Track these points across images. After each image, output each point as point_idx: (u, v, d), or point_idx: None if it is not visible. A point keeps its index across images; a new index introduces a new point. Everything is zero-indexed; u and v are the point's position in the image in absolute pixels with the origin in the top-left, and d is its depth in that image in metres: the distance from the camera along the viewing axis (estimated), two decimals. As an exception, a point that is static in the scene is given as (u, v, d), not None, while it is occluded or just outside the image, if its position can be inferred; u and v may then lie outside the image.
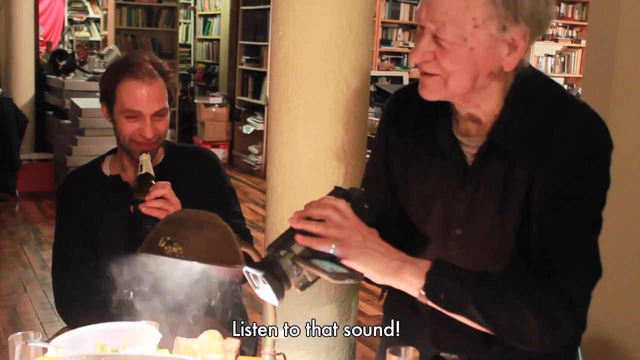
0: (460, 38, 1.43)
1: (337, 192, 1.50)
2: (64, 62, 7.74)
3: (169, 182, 2.09)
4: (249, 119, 9.18)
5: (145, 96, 2.19)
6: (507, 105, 1.55)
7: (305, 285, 1.43)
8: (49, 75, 8.13)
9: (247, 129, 9.15)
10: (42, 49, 9.12)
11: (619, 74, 3.25)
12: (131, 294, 2.01)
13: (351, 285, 2.31)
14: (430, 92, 1.53)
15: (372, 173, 1.84)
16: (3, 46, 7.79)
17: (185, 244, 1.36)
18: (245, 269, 1.41)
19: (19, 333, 1.64)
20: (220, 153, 9.53)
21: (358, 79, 2.19)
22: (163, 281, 1.99)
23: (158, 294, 2.01)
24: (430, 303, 1.45)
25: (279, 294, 1.39)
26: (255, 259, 1.46)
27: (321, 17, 2.13)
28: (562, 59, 11.46)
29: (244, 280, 2.09)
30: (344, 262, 1.41)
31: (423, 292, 1.44)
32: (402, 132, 1.72)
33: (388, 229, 1.61)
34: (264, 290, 1.41)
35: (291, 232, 1.42)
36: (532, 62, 10.98)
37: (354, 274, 1.40)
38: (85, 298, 2.13)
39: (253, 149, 9.20)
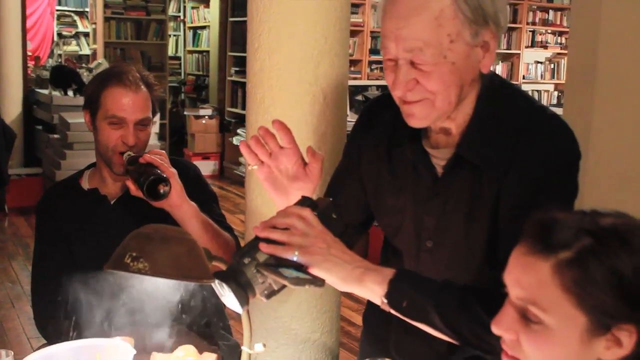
0: (440, 57, 1.42)
1: (304, 201, 1.49)
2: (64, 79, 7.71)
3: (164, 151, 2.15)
4: (239, 130, 9.18)
5: (130, 103, 2.19)
6: (474, 117, 1.55)
7: (270, 294, 1.42)
8: (37, 90, 8.12)
9: (237, 140, 9.14)
10: (31, 63, 9.11)
11: (601, 78, 3.26)
12: (110, 308, 2.00)
13: (333, 297, 2.30)
14: (420, 120, 1.52)
15: (340, 178, 1.84)
16: (-9, 61, 7.79)
17: (151, 260, 1.35)
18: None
19: (-7, 351, 1.63)
20: (211, 165, 9.53)
21: (334, 90, 2.19)
22: (141, 295, 1.98)
23: (135, 309, 2.01)
24: (392, 311, 1.45)
25: (243, 301, 1.39)
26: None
27: (296, 29, 2.13)
28: (552, 66, 11.52)
29: None
30: (309, 269, 1.40)
31: (385, 300, 1.43)
32: (374, 142, 1.72)
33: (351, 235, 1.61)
34: (228, 298, 1.41)
35: (256, 241, 1.41)
36: (522, 69, 11.03)
37: (315, 280, 1.39)
38: (62, 314, 2.12)
39: (243, 160, 9.18)
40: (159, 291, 1.97)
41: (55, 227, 2.30)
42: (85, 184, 2.36)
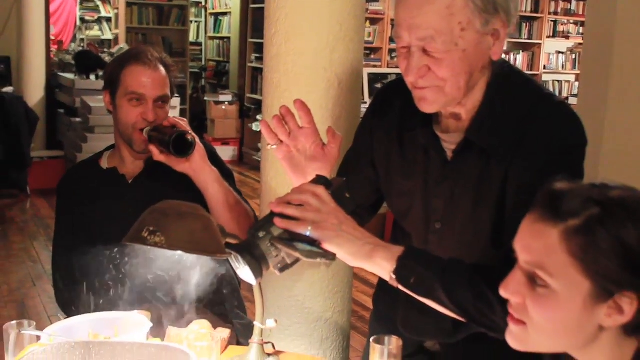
0: (451, 44, 1.47)
1: (319, 180, 1.55)
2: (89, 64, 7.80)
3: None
4: (258, 117, 9.22)
5: (149, 81, 2.26)
6: (484, 103, 1.59)
7: (284, 267, 1.48)
8: (60, 74, 8.22)
9: (256, 127, 9.19)
10: (54, 47, 9.20)
11: (616, 68, 3.28)
12: (127, 284, 2.07)
13: (345, 278, 2.36)
14: (431, 104, 1.56)
15: (352, 160, 1.89)
16: (15, 46, 7.86)
17: (167, 234, 1.41)
18: (227, 249, 1.46)
19: (14, 322, 1.70)
20: (230, 150, 9.58)
21: (349, 75, 2.24)
22: (157, 272, 2.04)
23: (152, 285, 2.07)
24: (400, 287, 1.49)
25: (257, 273, 1.45)
26: None
27: (312, 15, 2.17)
28: (573, 56, 11.44)
29: None
30: (321, 245, 1.46)
31: (394, 276, 1.48)
32: (386, 126, 1.76)
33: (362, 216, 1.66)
34: (243, 271, 1.46)
35: (271, 216, 1.47)
36: (543, 59, 10.98)
37: (327, 254, 1.45)
38: (81, 290, 2.18)
39: (262, 145, 9.22)
40: (175, 270, 2.05)
41: (75, 205, 2.37)
42: (105, 164, 2.42)
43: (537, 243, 1.19)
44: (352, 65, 2.24)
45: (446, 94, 1.53)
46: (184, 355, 1.42)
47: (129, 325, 1.74)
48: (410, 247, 1.53)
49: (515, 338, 1.25)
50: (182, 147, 2.13)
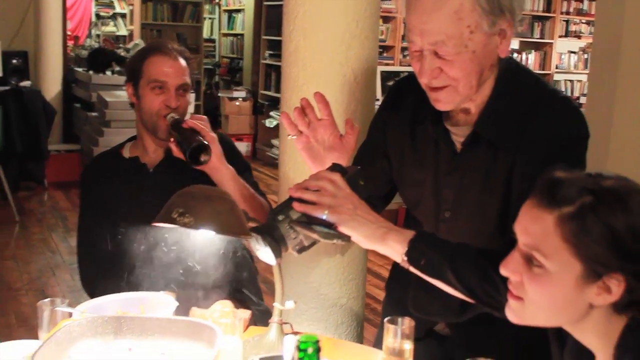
0: (461, 47, 1.56)
1: (335, 167, 1.65)
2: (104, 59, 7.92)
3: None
4: (271, 113, 9.31)
5: (171, 70, 2.38)
6: (492, 98, 1.69)
7: (301, 249, 1.58)
8: (76, 69, 8.33)
9: (270, 123, 9.29)
10: (70, 43, 9.31)
11: (624, 68, 3.35)
12: (150, 268, 2.17)
13: (360, 266, 2.45)
14: (446, 104, 1.66)
15: (366, 152, 1.98)
16: (32, 41, 7.96)
17: (195, 215, 1.51)
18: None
19: (47, 299, 1.81)
20: (244, 146, 9.67)
21: (364, 71, 2.33)
22: (180, 257, 2.14)
23: (174, 270, 2.17)
24: (411, 268, 1.59)
25: (277, 253, 1.55)
26: None
27: (329, 12, 2.26)
28: (585, 56, 11.45)
29: None
30: (337, 228, 1.56)
31: (405, 257, 1.58)
32: (399, 119, 1.86)
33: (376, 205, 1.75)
34: (264, 252, 1.57)
35: (290, 201, 1.57)
36: (555, 59, 11.01)
37: (342, 235, 1.55)
38: (107, 272, 2.28)
39: (276, 142, 9.32)
40: (197, 256, 2.14)
41: (98, 192, 2.48)
42: (127, 154, 2.53)
43: (534, 227, 1.30)
44: (367, 61, 2.33)
45: (460, 93, 1.62)
46: (210, 330, 1.52)
47: (156, 304, 1.84)
48: (421, 231, 1.63)
49: (513, 312, 1.37)
50: (197, 160, 2.21)
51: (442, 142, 1.76)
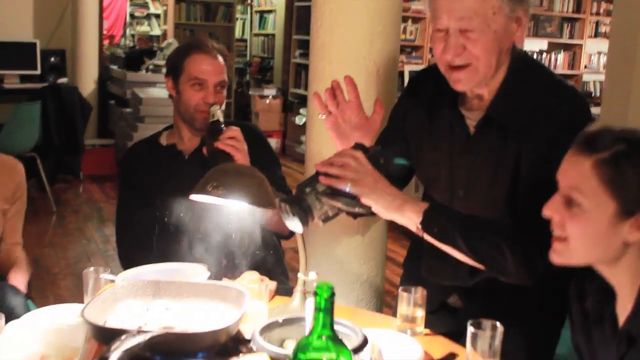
0: (485, 26, 1.73)
1: (357, 146, 1.82)
2: (151, 61, 8.14)
3: (238, 128, 2.38)
4: (301, 110, 9.46)
5: (210, 68, 2.54)
6: (503, 84, 1.84)
7: (326, 219, 1.75)
8: (111, 67, 8.56)
9: (299, 120, 9.45)
10: (105, 42, 9.55)
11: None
12: (184, 245, 2.33)
13: (379, 247, 2.61)
14: (466, 84, 1.82)
15: (387, 136, 2.13)
16: (69, 39, 8.17)
17: (227, 188, 1.69)
18: (278, 202, 1.73)
19: (91, 268, 1.98)
20: (274, 142, 9.82)
21: (386, 64, 2.49)
22: (214, 236, 2.29)
23: (209, 247, 2.32)
24: (425, 235, 1.75)
25: (304, 222, 1.72)
26: None
27: (354, 10, 2.44)
28: (615, 57, 11.44)
29: (290, 234, 2.40)
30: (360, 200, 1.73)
31: (420, 226, 1.74)
32: (418, 105, 2.02)
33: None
34: (292, 221, 1.73)
35: (316, 175, 1.74)
36: (584, 59, 11.03)
37: (363, 206, 1.72)
38: (144, 249, 2.45)
39: (305, 139, 9.43)
40: (228, 237, 2.30)
41: (137, 176, 2.65)
42: (164, 141, 2.70)
43: (573, 171, 1.47)
44: (389, 55, 2.49)
45: (479, 72, 1.78)
46: (238, 292, 1.68)
47: (190, 274, 2.00)
48: (435, 203, 1.80)
49: (557, 253, 1.52)
50: None
51: (457, 126, 1.91)
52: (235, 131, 2.35)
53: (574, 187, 1.46)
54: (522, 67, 1.86)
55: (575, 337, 1.71)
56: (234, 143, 2.32)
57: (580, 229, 1.46)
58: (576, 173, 1.46)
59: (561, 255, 1.52)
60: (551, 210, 1.51)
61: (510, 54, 1.84)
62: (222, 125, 2.38)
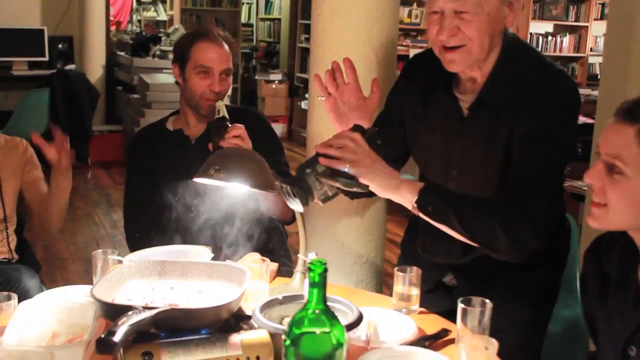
0: (479, 8, 1.80)
1: (356, 128, 1.88)
2: (157, 47, 8.20)
3: (243, 125, 2.42)
4: (307, 95, 9.46)
5: (216, 56, 2.61)
6: (495, 68, 1.91)
7: (326, 198, 1.82)
8: (118, 53, 8.62)
9: (305, 104, 9.47)
10: (112, 28, 9.60)
11: (637, 51, 3.49)
12: (190, 227, 2.40)
13: (379, 229, 2.67)
14: (459, 64, 1.89)
15: (383, 118, 2.20)
16: (77, 26, 8.22)
17: (229, 171, 1.76)
18: (279, 183, 1.80)
19: (100, 250, 2.06)
20: (280, 127, 9.89)
21: (384, 50, 2.54)
22: (218, 219, 2.36)
23: (213, 229, 2.39)
24: (421, 214, 1.82)
25: (304, 202, 1.79)
26: None
27: (352, -2, 2.49)
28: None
29: (292, 219, 2.47)
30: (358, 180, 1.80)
31: (415, 205, 1.81)
32: (414, 89, 2.09)
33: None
34: (293, 202, 1.80)
35: (316, 156, 1.81)
36: (590, 42, 11.02)
37: (361, 184, 1.79)
38: (151, 231, 2.52)
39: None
40: (232, 220, 2.36)
41: (144, 160, 2.73)
42: (170, 126, 2.77)
43: (616, 139, 1.51)
44: (387, 41, 2.55)
45: (472, 53, 1.85)
46: (240, 271, 1.74)
47: (194, 255, 2.08)
48: (430, 183, 1.87)
49: (596, 218, 1.56)
50: None
51: (451, 108, 1.97)
52: (240, 129, 2.39)
53: (616, 155, 1.49)
54: (514, 51, 1.92)
55: (587, 304, 1.76)
56: (238, 142, 2.35)
57: (621, 196, 1.50)
58: (619, 141, 1.49)
59: (600, 221, 1.55)
60: (592, 177, 1.54)
61: (502, 38, 1.90)
62: (228, 122, 2.43)
